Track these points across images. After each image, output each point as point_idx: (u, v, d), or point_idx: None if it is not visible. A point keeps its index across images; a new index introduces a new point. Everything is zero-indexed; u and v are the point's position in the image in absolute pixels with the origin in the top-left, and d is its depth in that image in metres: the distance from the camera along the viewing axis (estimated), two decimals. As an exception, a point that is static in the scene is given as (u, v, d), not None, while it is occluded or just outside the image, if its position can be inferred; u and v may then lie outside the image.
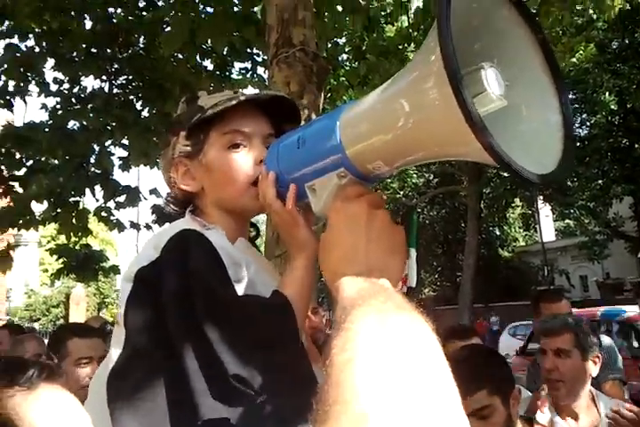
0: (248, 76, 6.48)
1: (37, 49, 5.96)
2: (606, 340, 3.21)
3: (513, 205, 27.67)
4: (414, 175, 26.93)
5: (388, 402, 0.45)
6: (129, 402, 0.90)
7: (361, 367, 0.49)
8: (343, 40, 7.03)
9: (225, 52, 5.84)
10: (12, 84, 6.01)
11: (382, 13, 6.44)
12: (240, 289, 1.00)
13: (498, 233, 31.48)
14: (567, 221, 30.16)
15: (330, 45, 6.59)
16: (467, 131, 0.58)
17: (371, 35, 6.39)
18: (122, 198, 6.36)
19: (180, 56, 5.65)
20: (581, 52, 7.82)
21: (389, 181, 26.05)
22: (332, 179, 0.83)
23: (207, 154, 1.12)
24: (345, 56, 7.39)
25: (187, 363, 0.88)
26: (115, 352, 0.98)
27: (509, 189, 24.25)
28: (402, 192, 26.96)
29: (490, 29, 0.70)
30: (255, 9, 5.12)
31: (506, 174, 24.68)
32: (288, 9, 3.11)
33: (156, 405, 0.89)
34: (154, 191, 6.51)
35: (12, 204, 6.14)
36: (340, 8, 5.82)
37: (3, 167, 6.21)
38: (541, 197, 24.45)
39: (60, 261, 6.59)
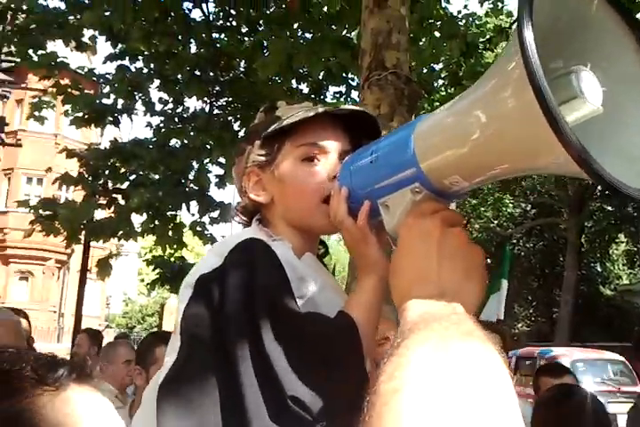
0: (342, 99, 6.56)
1: (145, 70, 6.35)
2: None
3: (617, 240, 26.14)
4: (510, 205, 26.09)
5: None
6: (177, 411, 0.88)
7: (408, 401, 0.44)
8: (440, 66, 6.98)
9: (320, 77, 5.95)
10: (120, 102, 6.40)
11: (481, 39, 6.35)
12: (302, 306, 0.95)
13: (599, 269, 29.76)
14: (678, 260, 28.04)
15: (426, 71, 6.56)
16: (553, 141, 0.53)
17: (468, 60, 6.31)
18: (215, 214, 6.57)
19: (277, 79, 5.81)
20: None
21: (483, 209, 25.42)
22: (405, 195, 0.78)
23: (280, 165, 1.08)
24: (441, 82, 7.33)
25: (243, 378, 0.84)
26: (169, 360, 0.96)
27: (613, 223, 22.97)
28: (496, 221, 26.18)
29: (581, 30, 0.64)
30: (351, 34, 5.19)
31: (610, 208, 23.47)
32: (383, 33, 3.12)
33: (206, 417, 0.86)
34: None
35: (113, 215, 6.49)
36: (437, 34, 5.80)
37: (108, 180, 6.61)
38: (649, 234, 22.95)
39: (156, 271, 6.87)
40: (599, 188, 24.01)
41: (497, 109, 0.61)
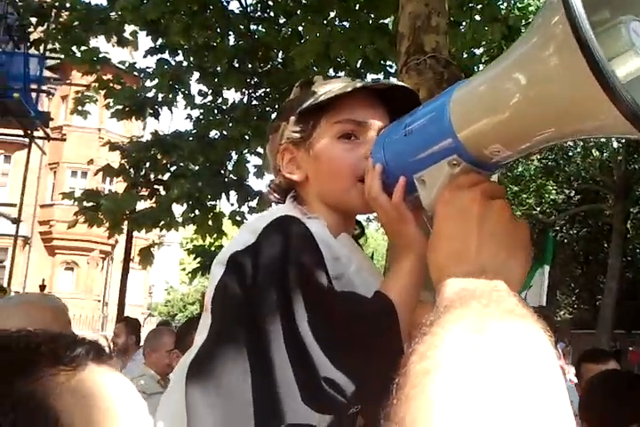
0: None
1: (185, 63, 6.43)
2: None
3: (664, 225, 25.40)
4: (553, 191, 25.57)
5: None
6: (206, 388, 0.85)
7: (440, 381, 0.41)
8: (481, 50, 6.85)
9: (358, 64, 5.91)
10: (160, 95, 6.51)
11: (523, 22, 6.21)
12: (337, 286, 0.91)
13: (645, 256, 29.01)
14: None
15: (466, 55, 6.45)
16: (602, 100, 0.48)
17: (510, 44, 6.15)
18: (254, 203, 6.64)
19: (315, 69, 5.80)
20: None
21: (525, 196, 24.97)
22: (442, 168, 0.72)
23: (315, 142, 1.04)
24: (482, 66, 7.20)
25: (275, 357, 0.81)
26: (200, 338, 0.93)
27: (661, 208, 22.30)
28: (538, 208, 25.69)
29: None
30: (387, 20, 5.14)
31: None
32: (421, 16, 3.08)
33: (236, 400, 0.83)
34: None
35: (155, 205, 6.62)
36: (478, 17, 5.69)
37: (149, 172, 6.73)
38: (699, 219, 22.23)
39: (197, 260, 6.98)
40: (645, 172, 23.35)
41: (539, 69, 0.56)
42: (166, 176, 6.78)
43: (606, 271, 21.51)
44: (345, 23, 5.72)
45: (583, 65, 0.48)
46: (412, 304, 0.94)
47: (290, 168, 1.07)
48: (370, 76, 6.41)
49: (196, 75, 6.46)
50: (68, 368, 0.50)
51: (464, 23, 5.43)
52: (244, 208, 6.77)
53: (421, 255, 0.85)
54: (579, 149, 24.43)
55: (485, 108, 0.65)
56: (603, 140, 23.97)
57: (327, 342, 0.81)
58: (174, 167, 6.75)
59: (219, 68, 6.45)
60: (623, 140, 23.54)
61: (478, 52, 6.85)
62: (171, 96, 6.50)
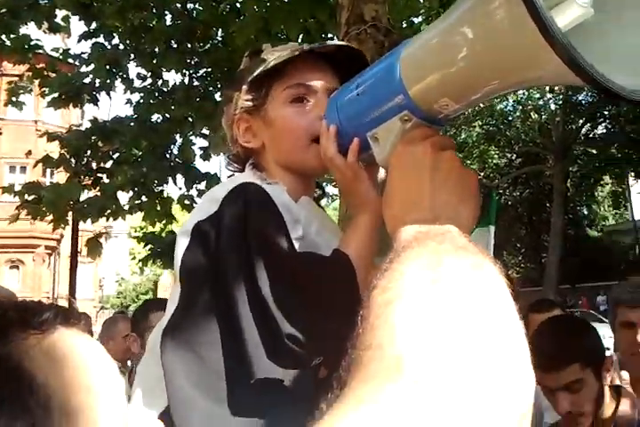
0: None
1: (121, 46, 6.22)
2: None
3: (602, 182, 26.42)
4: (495, 156, 26.21)
5: (427, 349, 0.39)
6: (181, 354, 0.89)
7: (402, 309, 0.43)
8: (420, 19, 6.87)
9: (300, 38, 5.85)
10: (97, 81, 6.29)
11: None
12: (300, 247, 0.95)
13: (586, 212, 30.16)
14: (662, 197, 28.46)
15: (406, 24, 6.46)
16: (544, 48, 0.50)
17: (446, 12, 6.20)
18: (202, 186, 6.55)
19: (256, 45, 5.72)
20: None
21: (469, 162, 25.48)
22: (395, 124, 0.74)
23: (269, 109, 1.06)
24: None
25: (241, 319, 0.85)
26: (171, 307, 0.96)
27: (598, 166, 23.14)
28: (482, 173, 26.30)
29: None
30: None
31: (594, 151, 23.63)
32: (360, -14, 3.06)
33: (207, 358, 0.88)
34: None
35: (99, 194, 6.47)
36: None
37: (91, 160, 6.55)
38: (632, 174, 23.19)
39: (147, 248, 6.88)
40: (582, 132, 24.14)
41: (484, 22, 0.58)
42: (109, 164, 6.60)
43: (550, 230, 22.30)
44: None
45: (524, 14, 0.49)
46: (369, 259, 0.96)
47: (246, 137, 1.10)
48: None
49: (134, 57, 6.26)
50: (37, 332, 0.52)
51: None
52: (193, 191, 6.67)
53: (376, 213, 0.89)
54: (518, 113, 25.02)
55: (434, 63, 0.67)
56: (540, 102, 24.59)
57: (289, 301, 0.85)
58: (117, 154, 6.57)
59: (157, 50, 6.27)
60: (560, 102, 24.21)
61: (417, 20, 6.87)
62: (108, 81, 6.29)
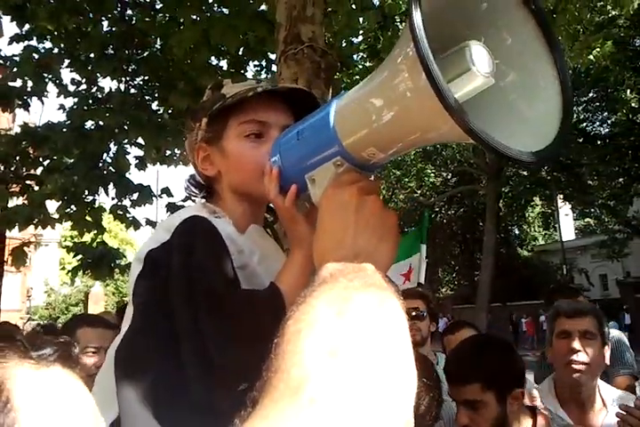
0: (262, 74, 6.50)
1: (55, 50, 6.05)
2: (615, 332, 3.12)
3: (532, 203, 27.46)
4: (432, 175, 26.85)
5: (326, 373, 0.45)
6: (130, 373, 0.97)
7: (308, 338, 0.49)
8: (360, 38, 7.00)
9: (241, 52, 5.87)
10: (29, 84, 6.10)
11: (398, 11, 6.40)
12: (241, 276, 1.04)
13: (517, 232, 31.23)
14: (587, 219, 29.83)
15: (345, 44, 6.58)
16: (442, 112, 0.58)
17: (385, 33, 6.36)
18: (135, 196, 6.42)
19: (195, 56, 5.68)
20: (598, 49, 7.70)
21: (407, 180, 26.00)
22: (329, 168, 0.83)
23: (225, 141, 1.17)
24: (361, 55, 7.37)
25: (182, 347, 0.93)
26: (125, 327, 1.05)
27: (529, 187, 24.05)
28: (419, 191, 26.87)
29: (475, 8, 0.68)
30: (266, 7, 5.12)
31: (525, 173, 24.55)
32: (297, 6, 3.11)
33: (152, 378, 0.95)
34: (165, 191, 6.55)
35: (27, 202, 6.24)
36: (354, 6, 5.80)
37: (20, 167, 6.32)
38: (561, 196, 24.22)
39: (77, 258, 6.67)
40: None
41: (395, 92, 0.67)
42: (39, 170, 6.38)
43: (482, 248, 22.93)
44: (224, 9, 5.64)
45: (427, 88, 0.57)
46: (301, 290, 1.03)
47: (204, 165, 1.21)
48: (251, 64, 6.39)
49: (68, 63, 6.10)
50: (32, 362, 0.58)
51: (340, 12, 5.50)
52: (126, 202, 6.52)
53: (309, 252, 0.97)
54: (454, 134, 25.68)
55: (359, 120, 0.77)
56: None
57: (222, 334, 0.93)
58: (47, 161, 6.36)
59: (92, 56, 6.14)
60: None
61: (356, 40, 7.00)
62: (40, 85, 6.10)
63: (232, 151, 1.16)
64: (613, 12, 9.92)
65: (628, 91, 18.40)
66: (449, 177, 28.51)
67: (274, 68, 6.42)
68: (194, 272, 0.97)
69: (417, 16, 0.57)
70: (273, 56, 6.19)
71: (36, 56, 5.99)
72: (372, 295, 0.56)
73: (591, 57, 7.86)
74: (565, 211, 28.79)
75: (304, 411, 0.42)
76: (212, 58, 6.13)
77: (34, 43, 6.03)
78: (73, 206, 6.28)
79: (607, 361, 2.12)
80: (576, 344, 2.04)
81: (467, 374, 1.64)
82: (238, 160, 1.15)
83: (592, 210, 25.41)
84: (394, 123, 0.71)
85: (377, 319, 0.53)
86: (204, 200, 1.22)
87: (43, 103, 6.28)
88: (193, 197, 1.28)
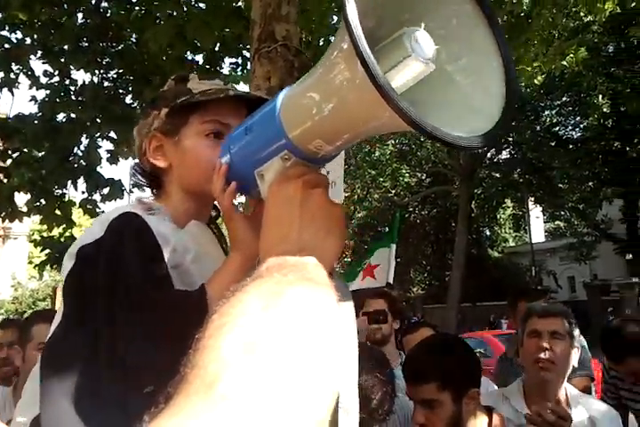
0: (238, 71, 6.47)
1: (28, 41, 5.94)
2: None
3: (504, 205, 27.79)
4: (407, 175, 27.00)
5: (241, 368, 0.44)
6: (54, 371, 0.96)
7: (230, 333, 0.48)
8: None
9: (217, 48, 5.83)
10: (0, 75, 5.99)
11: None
12: (174, 275, 1.04)
13: (488, 233, 31.59)
14: (557, 222, 30.32)
15: (322, 43, 6.57)
16: (380, 101, 0.57)
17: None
18: (106, 191, 6.35)
19: (170, 51, 5.63)
20: (572, 55, 7.82)
21: (382, 179, 26.10)
22: (277, 163, 0.82)
23: (184, 136, 1.16)
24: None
25: (99, 346, 0.93)
26: (55, 324, 1.04)
27: (501, 189, 24.33)
28: (394, 191, 27.01)
29: None
30: (240, 4, 5.10)
31: (497, 175, 24.85)
32: (272, 4, 3.11)
33: (73, 376, 0.94)
34: (137, 185, 6.47)
35: (-6, 195, 6.13)
36: (326, 5, 5.80)
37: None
38: (532, 199, 24.57)
39: (45, 252, 6.57)
40: (488, 156, 25.34)
41: (333, 83, 0.67)
42: (8, 162, 6.26)
43: (454, 249, 23.15)
44: (201, 4, 5.60)
45: (363, 77, 0.57)
46: None
47: (156, 155, 1.19)
48: (228, 60, 6.35)
49: (41, 54, 5.99)
50: None
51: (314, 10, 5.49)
52: (97, 196, 6.44)
53: (247, 252, 1.02)
54: (429, 135, 25.86)
55: (302, 114, 0.76)
56: (450, 126, 25.57)
57: (137, 331, 0.93)
58: (17, 153, 6.25)
59: (66, 47, 6.04)
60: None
61: (333, 38, 6.98)
62: (10, 76, 5.99)
63: (189, 148, 1.16)
64: (587, 19, 10.09)
65: (601, 96, 18.71)
66: (423, 177, 28.72)
67: (250, 65, 6.40)
68: (118, 271, 0.97)
69: (350, 5, 0.57)
70: (248, 54, 6.17)
71: (7, 46, 5.88)
72: (305, 290, 0.55)
73: (565, 62, 7.98)
74: (536, 213, 29.20)
75: (214, 408, 0.41)
76: (188, 53, 6.09)
77: (5, 33, 5.92)
78: (42, 200, 6.19)
79: (575, 363, 2.18)
80: (545, 343, 2.11)
81: (423, 374, 1.68)
82: (194, 158, 1.15)
83: (562, 213, 25.83)
84: (335, 115, 0.70)
85: (305, 315, 0.52)
86: (150, 195, 1.22)
87: (13, 94, 6.17)
88: (141, 185, 1.27)
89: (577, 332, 2.21)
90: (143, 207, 1.13)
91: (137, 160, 1.26)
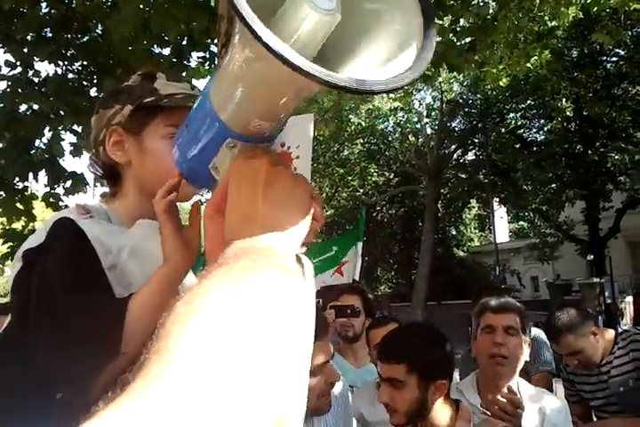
0: (206, 65, 6.42)
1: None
2: (535, 330, 3.25)
3: (469, 206, 28.17)
4: (375, 174, 27.16)
5: (201, 355, 0.44)
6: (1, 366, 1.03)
7: (195, 320, 0.47)
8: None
9: (184, 42, 5.78)
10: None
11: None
12: (112, 276, 1.06)
13: (454, 233, 31.97)
14: (521, 222, 30.86)
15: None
16: (273, 60, 0.54)
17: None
18: (69, 184, 6.24)
19: (136, 43, 5.56)
20: (536, 58, 7.97)
21: (350, 178, 26.20)
22: (225, 152, 0.79)
23: (147, 137, 1.17)
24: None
25: (29, 347, 0.97)
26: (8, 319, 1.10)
27: (466, 190, 24.66)
28: (362, 190, 27.13)
29: None
30: (210, -1, 5.07)
31: (463, 176, 25.16)
32: (239, -1, 3.09)
33: (15, 373, 1.00)
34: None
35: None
36: None
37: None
38: (497, 200, 24.95)
39: (7, 245, 6.44)
40: (454, 157, 25.65)
41: (240, 62, 0.66)
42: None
43: (420, 248, 23.39)
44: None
45: (264, 52, 0.55)
46: (158, 308, 1.03)
47: (114, 150, 1.19)
48: (194, 55, 6.31)
49: (3, 43, 5.86)
50: None
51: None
52: (60, 190, 6.33)
53: (173, 265, 1.04)
54: (397, 135, 26.12)
55: (228, 98, 0.74)
56: (418, 126, 25.85)
57: (48, 336, 0.96)
58: (-23, 145, 6.11)
59: (29, 38, 5.92)
60: (435, 128, 25.59)
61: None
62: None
63: (152, 149, 1.17)
64: (552, 23, 10.30)
65: (564, 100, 19.08)
66: (391, 177, 28.91)
67: (217, 60, 6.36)
68: (43, 277, 1.01)
69: None
70: (215, 49, 6.14)
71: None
72: (273, 276, 0.54)
73: (529, 65, 8.12)
74: (500, 214, 29.69)
75: (169, 395, 0.40)
76: (155, 46, 6.02)
77: (-36, 21, 5.78)
78: (2, 192, 6.06)
79: (527, 357, 2.24)
80: (499, 338, 2.17)
81: (396, 354, 1.73)
82: (156, 159, 1.15)
83: (526, 214, 26.30)
84: (252, 90, 0.70)
85: (272, 304, 0.51)
86: (105, 194, 1.26)
87: (-27, 84, 6.03)
88: (97, 177, 1.29)
89: (530, 327, 2.27)
90: (79, 212, 1.14)
91: (92, 150, 1.26)
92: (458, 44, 6.53)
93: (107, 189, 1.31)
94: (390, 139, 26.45)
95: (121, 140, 1.19)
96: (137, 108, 1.17)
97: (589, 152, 21.14)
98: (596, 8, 6.84)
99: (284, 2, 0.64)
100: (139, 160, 1.18)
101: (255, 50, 0.58)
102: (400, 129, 25.72)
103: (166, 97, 1.14)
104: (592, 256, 22.84)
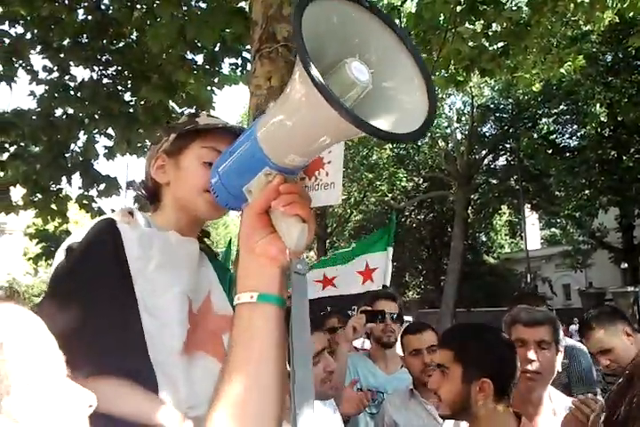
0: (238, 71, 6.48)
1: (29, 36, 5.95)
2: (580, 348, 3.16)
3: (500, 212, 27.84)
4: (404, 179, 27.03)
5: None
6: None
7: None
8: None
9: (217, 48, 5.84)
10: (-2, 69, 6.00)
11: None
12: (138, 279, 1.24)
13: (484, 239, 31.63)
14: (553, 229, 30.38)
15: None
16: (338, 118, 0.70)
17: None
18: (102, 187, 6.35)
19: (171, 50, 5.64)
20: (570, 63, 7.86)
21: (379, 183, 26.12)
22: (261, 178, 0.93)
23: (183, 157, 1.40)
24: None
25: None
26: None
27: (497, 196, 24.38)
28: (390, 195, 27.03)
29: (351, 30, 0.84)
30: (244, 4, 5.11)
31: (494, 181, 24.90)
32: (274, 5, 3.13)
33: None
34: (131, 184, 6.47)
35: (-12, 188, 6.13)
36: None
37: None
38: (528, 206, 24.62)
39: (40, 246, 6.58)
40: (485, 162, 25.41)
41: (297, 106, 0.79)
42: (5, 156, 6.26)
43: (449, 254, 23.16)
44: (202, 4, 5.60)
45: (321, 99, 0.70)
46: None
47: (157, 172, 1.43)
48: (228, 60, 6.36)
49: (40, 49, 5.99)
50: None
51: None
52: (93, 192, 6.45)
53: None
54: (427, 140, 25.95)
55: (274, 134, 0.89)
56: (448, 131, 25.68)
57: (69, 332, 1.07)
58: (14, 147, 6.25)
59: (65, 43, 6.05)
60: (466, 133, 25.39)
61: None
62: (9, 70, 5.99)
63: (185, 167, 1.39)
64: (586, 28, 10.14)
65: (598, 105, 18.77)
66: (420, 182, 28.74)
67: (250, 66, 6.40)
68: (65, 272, 1.22)
69: (301, 48, 0.70)
70: (248, 55, 6.18)
71: (7, 41, 5.89)
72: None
73: (562, 70, 8.01)
74: (532, 220, 29.30)
75: None
76: (188, 53, 6.09)
77: (5, 27, 5.92)
78: (38, 194, 6.19)
79: (559, 368, 2.19)
80: (531, 354, 2.11)
81: (448, 340, 1.86)
82: (187, 174, 1.38)
83: (558, 220, 25.90)
84: (299, 134, 0.83)
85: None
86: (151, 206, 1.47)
87: (11, 88, 6.18)
88: (142, 197, 1.50)
89: (562, 336, 2.21)
90: (123, 215, 1.34)
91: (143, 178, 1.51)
92: (490, 48, 6.46)
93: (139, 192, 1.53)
94: (420, 144, 26.29)
95: (163, 163, 1.42)
96: (178, 136, 1.41)
97: (624, 158, 20.73)
98: (632, 13, 6.72)
99: (328, 64, 0.81)
100: (175, 177, 1.41)
101: (313, 100, 0.72)
102: (430, 134, 25.56)
103: (204, 125, 1.39)
104: (626, 264, 22.38)
